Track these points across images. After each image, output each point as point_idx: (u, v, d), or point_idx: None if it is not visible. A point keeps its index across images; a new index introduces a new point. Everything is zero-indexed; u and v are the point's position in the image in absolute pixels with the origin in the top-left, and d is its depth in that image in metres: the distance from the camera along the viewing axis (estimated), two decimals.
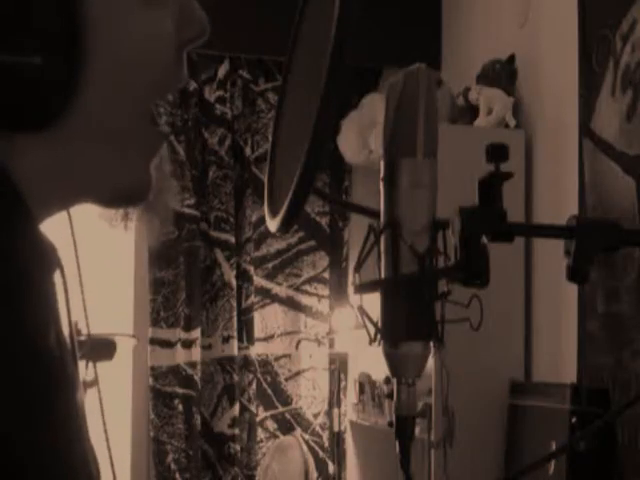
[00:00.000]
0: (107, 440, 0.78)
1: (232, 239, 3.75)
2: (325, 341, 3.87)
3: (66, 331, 0.66)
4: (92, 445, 0.65)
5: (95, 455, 0.66)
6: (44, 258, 0.63)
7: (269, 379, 3.84)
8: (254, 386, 3.77)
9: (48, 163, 0.65)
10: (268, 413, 3.83)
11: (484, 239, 0.88)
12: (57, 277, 0.66)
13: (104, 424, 0.80)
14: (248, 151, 3.82)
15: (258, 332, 3.82)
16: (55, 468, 0.57)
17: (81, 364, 0.70)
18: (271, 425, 3.82)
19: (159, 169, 0.72)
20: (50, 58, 0.60)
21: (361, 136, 3.49)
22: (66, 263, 0.68)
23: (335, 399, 3.80)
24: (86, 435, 0.64)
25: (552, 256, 2.76)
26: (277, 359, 3.86)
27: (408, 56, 2.27)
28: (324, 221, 3.91)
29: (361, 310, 0.90)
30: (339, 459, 3.77)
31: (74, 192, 0.68)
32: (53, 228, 0.69)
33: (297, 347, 3.87)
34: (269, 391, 3.83)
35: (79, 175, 0.66)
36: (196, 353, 3.68)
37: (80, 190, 0.68)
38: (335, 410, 3.78)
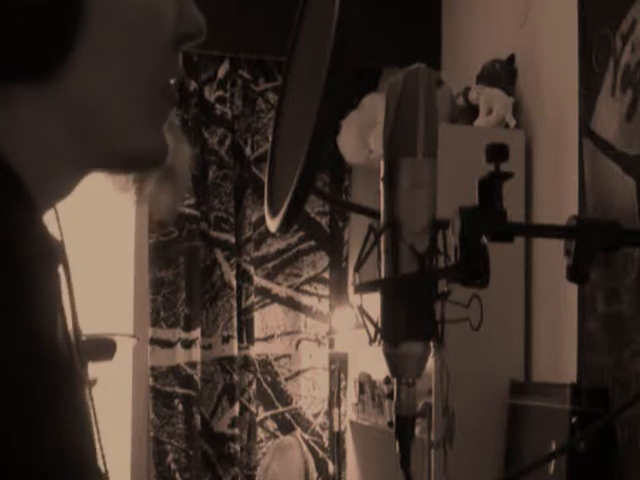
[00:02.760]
0: (100, 440, 0.77)
1: (232, 239, 3.75)
2: (325, 341, 3.87)
3: (70, 327, 0.65)
4: (97, 444, 0.65)
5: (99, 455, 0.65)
6: (48, 251, 0.63)
7: (269, 379, 3.84)
8: (254, 386, 3.77)
9: (48, 126, 0.64)
10: (268, 413, 3.82)
11: (484, 239, 0.88)
12: (60, 271, 0.65)
13: (96, 423, 0.80)
14: (248, 151, 3.81)
15: (258, 332, 3.81)
16: (61, 468, 0.57)
17: None
18: (271, 425, 3.82)
19: (173, 135, 0.71)
20: None
21: (361, 136, 3.48)
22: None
23: (335, 399, 3.80)
24: (93, 434, 0.64)
25: (552, 256, 2.76)
26: (277, 359, 3.85)
27: (408, 56, 2.27)
28: (324, 221, 3.91)
29: (361, 310, 0.90)
30: (339, 459, 3.77)
31: (80, 160, 0.67)
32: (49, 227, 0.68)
33: (297, 347, 3.87)
34: (269, 391, 3.83)
35: (84, 139, 0.66)
36: (196, 353, 3.68)
37: (86, 157, 0.67)
38: (335, 410, 3.78)
